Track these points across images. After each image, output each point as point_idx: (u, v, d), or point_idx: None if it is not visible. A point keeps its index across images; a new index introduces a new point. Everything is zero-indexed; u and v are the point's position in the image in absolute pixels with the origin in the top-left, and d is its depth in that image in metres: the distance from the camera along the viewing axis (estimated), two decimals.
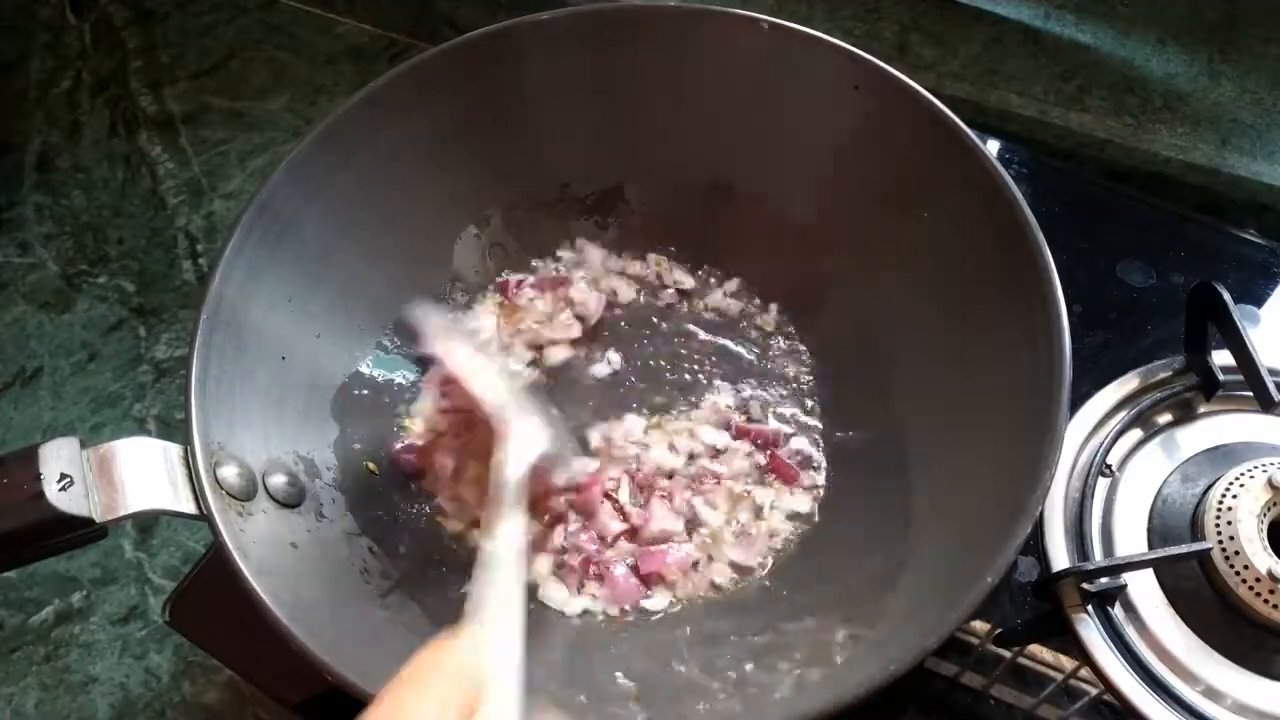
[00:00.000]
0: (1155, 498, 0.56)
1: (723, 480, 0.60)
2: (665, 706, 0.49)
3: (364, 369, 0.62)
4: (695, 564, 0.57)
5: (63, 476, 0.42)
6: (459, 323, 0.65)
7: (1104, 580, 0.51)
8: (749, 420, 0.62)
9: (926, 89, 0.57)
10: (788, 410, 0.63)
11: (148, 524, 0.78)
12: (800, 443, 0.62)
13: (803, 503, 0.59)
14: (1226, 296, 0.55)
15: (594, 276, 0.68)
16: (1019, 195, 0.52)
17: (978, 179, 0.54)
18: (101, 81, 1.04)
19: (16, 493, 0.42)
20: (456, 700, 0.35)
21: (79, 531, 0.43)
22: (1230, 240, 0.73)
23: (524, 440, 0.52)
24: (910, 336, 0.59)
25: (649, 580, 0.57)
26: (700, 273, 0.68)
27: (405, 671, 0.36)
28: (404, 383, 0.63)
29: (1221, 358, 0.57)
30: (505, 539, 0.46)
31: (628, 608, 0.56)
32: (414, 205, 0.62)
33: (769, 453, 0.61)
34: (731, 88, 0.62)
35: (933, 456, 0.55)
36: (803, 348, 0.65)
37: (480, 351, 0.59)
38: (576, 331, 0.65)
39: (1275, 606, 0.50)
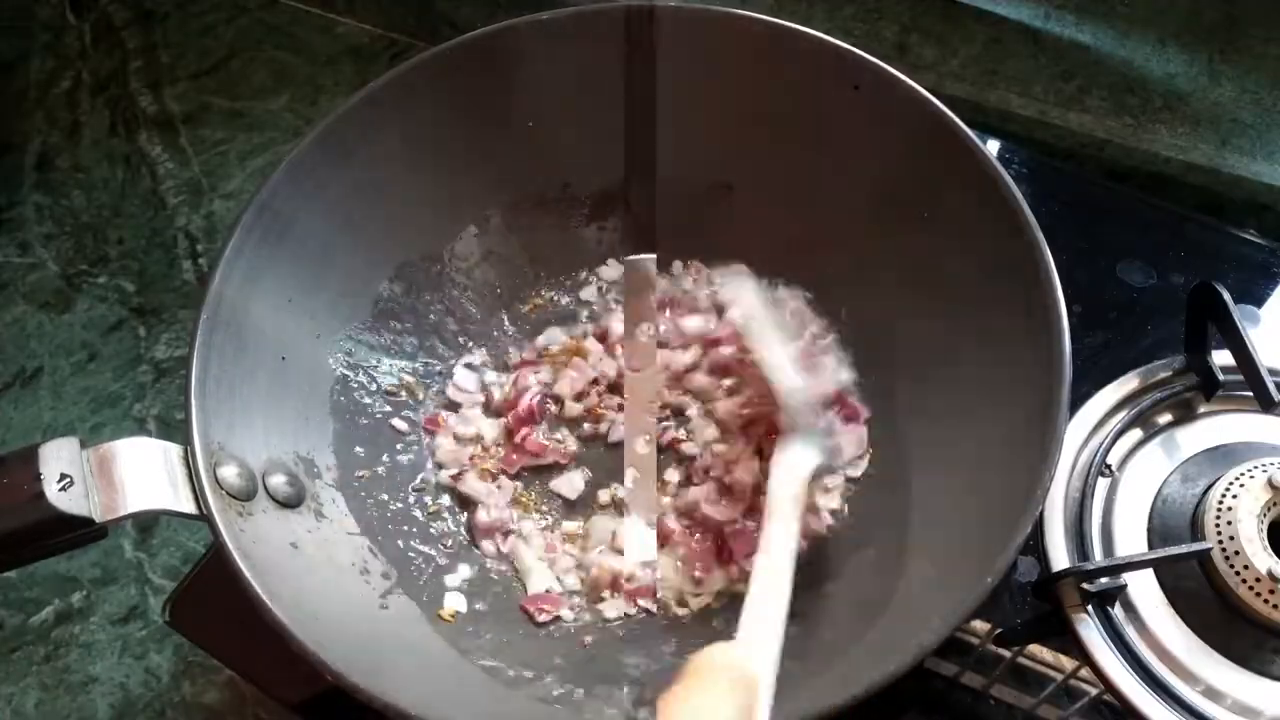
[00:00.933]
0: (1155, 498, 0.56)
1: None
2: None
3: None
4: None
5: (63, 476, 0.42)
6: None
7: (1104, 580, 0.51)
8: None
9: (926, 89, 0.57)
10: None
11: (148, 524, 0.77)
12: None
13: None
14: (1226, 296, 0.55)
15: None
16: (1019, 195, 0.52)
17: (978, 179, 0.54)
18: (101, 81, 1.03)
19: (16, 493, 0.42)
20: (739, 701, 0.39)
21: (79, 531, 0.43)
22: (1230, 240, 0.73)
23: (803, 451, 0.51)
24: (910, 336, 0.59)
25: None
26: (700, 273, 0.68)
27: (690, 674, 0.39)
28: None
29: (1221, 358, 0.57)
30: (778, 550, 0.47)
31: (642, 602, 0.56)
32: (414, 205, 0.62)
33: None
34: (731, 88, 0.62)
35: (933, 456, 0.55)
36: None
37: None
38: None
39: (1275, 606, 0.50)
